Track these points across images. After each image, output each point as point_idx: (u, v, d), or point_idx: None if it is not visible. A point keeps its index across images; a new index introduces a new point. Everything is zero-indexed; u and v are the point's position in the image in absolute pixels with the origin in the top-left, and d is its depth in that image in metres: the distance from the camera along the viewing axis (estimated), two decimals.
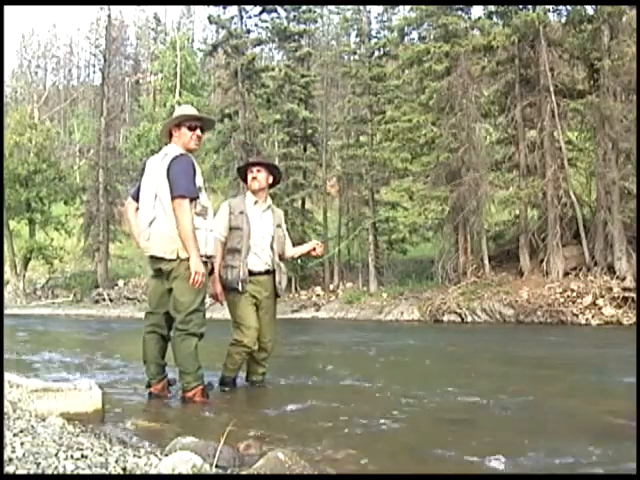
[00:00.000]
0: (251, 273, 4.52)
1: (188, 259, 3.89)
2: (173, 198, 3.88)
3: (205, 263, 4.00)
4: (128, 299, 25.31)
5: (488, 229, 19.45)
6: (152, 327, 4.21)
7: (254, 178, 4.65)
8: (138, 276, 27.06)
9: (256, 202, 4.68)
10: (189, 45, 42.71)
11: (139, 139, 34.62)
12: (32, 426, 2.59)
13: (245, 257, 4.50)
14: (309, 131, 25.31)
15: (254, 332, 4.47)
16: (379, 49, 23.91)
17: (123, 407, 3.79)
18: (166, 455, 2.31)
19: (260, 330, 4.54)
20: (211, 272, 4.22)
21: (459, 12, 19.38)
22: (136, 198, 4.21)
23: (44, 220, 29.09)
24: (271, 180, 4.76)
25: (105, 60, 29.48)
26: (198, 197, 3.98)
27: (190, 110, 4.28)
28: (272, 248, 4.66)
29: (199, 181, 4.04)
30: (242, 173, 4.83)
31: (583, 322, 14.61)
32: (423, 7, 19.46)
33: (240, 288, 4.45)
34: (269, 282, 4.66)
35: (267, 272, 4.64)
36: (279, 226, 4.78)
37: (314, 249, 4.86)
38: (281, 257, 4.79)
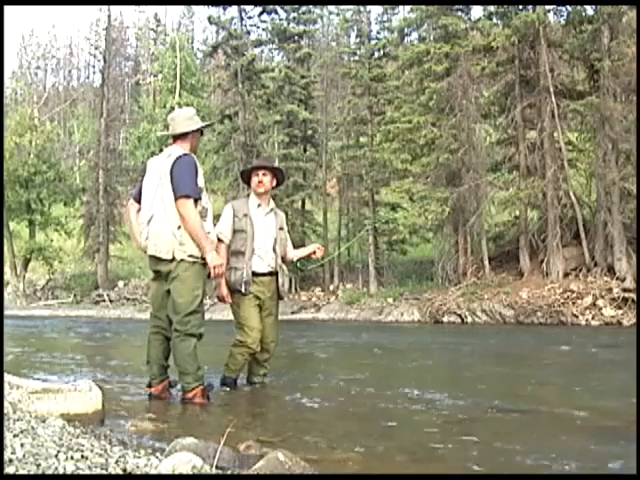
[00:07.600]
0: (254, 274, 4.54)
1: (184, 260, 3.90)
2: (178, 198, 3.86)
3: (204, 265, 3.99)
4: (128, 300, 25.35)
5: (488, 230, 19.45)
6: (157, 328, 4.21)
7: (260, 182, 4.63)
8: (138, 277, 27.06)
9: (259, 205, 4.68)
10: (189, 46, 42.70)
11: (139, 141, 34.64)
12: (32, 427, 2.59)
13: (249, 259, 4.52)
14: (309, 132, 25.32)
15: (257, 333, 4.50)
16: (379, 50, 23.91)
17: (123, 408, 3.78)
18: (166, 456, 2.31)
19: (263, 331, 4.57)
20: (209, 274, 4.20)
21: (459, 13, 19.41)
22: (137, 199, 4.19)
23: (44, 221, 29.09)
24: (274, 183, 4.77)
25: (105, 61, 29.52)
26: (200, 198, 3.98)
27: (196, 121, 4.21)
28: (275, 250, 4.68)
29: (200, 182, 4.04)
30: (246, 176, 4.81)
31: (583, 323, 14.62)
32: (423, 8, 19.50)
33: (243, 290, 4.47)
34: (272, 283, 4.68)
35: (270, 273, 4.66)
36: (281, 229, 4.80)
37: (314, 252, 4.89)
38: (283, 259, 4.81)
